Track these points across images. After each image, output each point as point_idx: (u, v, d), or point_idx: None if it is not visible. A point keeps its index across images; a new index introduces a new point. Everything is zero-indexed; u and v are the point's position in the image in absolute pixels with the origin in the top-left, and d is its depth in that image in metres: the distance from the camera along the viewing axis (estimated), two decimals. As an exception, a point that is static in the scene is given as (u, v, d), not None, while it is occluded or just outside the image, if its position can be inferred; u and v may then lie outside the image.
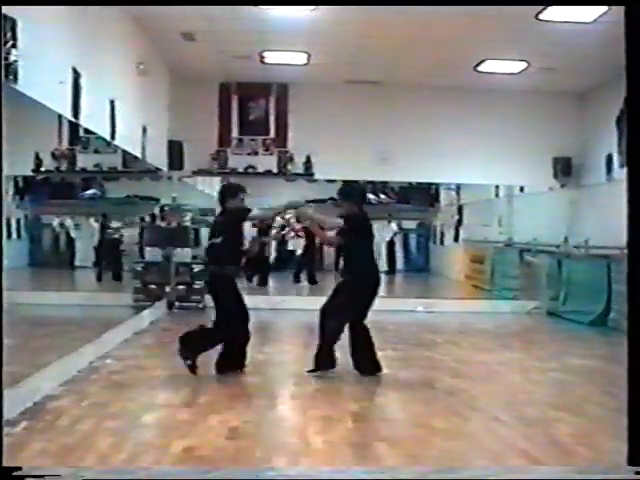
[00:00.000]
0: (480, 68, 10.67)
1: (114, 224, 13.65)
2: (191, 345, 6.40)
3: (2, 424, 3.75)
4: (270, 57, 10.49)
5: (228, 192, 6.58)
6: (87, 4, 6.81)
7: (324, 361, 6.51)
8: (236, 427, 4.80)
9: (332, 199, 18.54)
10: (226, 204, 6.51)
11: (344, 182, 8.71)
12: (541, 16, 8.14)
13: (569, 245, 11.82)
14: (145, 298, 10.89)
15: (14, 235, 12.22)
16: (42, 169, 11.11)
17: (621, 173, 10.43)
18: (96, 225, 13.93)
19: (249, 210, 6.51)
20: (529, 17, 8.20)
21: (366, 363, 6.57)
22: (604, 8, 7.73)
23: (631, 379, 3.57)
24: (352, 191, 6.87)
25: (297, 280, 15.37)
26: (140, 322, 9.48)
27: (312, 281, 15.09)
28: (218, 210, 6.80)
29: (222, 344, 6.50)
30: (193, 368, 6.30)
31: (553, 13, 8.04)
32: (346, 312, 6.48)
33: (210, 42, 9.78)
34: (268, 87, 12.14)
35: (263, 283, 14.66)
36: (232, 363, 6.49)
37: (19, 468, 3.61)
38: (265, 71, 11.25)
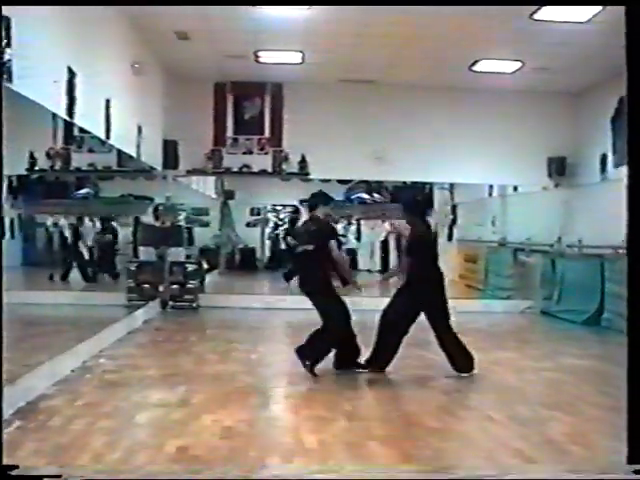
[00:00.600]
0: (475, 68, 10.68)
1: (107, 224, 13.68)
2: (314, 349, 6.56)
3: (2, 422, 3.75)
4: (265, 56, 10.48)
5: (322, 198, 6.84)
6: (85, 4, 6.79)
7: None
8: (230, 427, 4.80)
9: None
10: (316, 210, 6.75)
11: (403, 189, 8.90)
12: (535, 16, 8.17)
13: (563, 245, 11.85)
14: (139, 297, 10.88)
15: (7, 234, 12.18)
16: (36, 168, 11.09)
17: (615, 173, 10.45)
18: (91, 224, 13.89)
19: (334, 228, 7.09)
20: (523, 17, 8.23)
21: (383, 356, 6.66)
22: (598, 8, 7.75)
23: (630, 378, 3.58)
24: (417, 204, 7.21)
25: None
26: (134, 321, 9.48)
27: None
28: (304, 214, 6.97)
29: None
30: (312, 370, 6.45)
31: (547, 13, 8.06)
32: (403, 316, 6.67)
33: (205, 41, 9.77)
34: (263, 86, 12.13)
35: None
36: (347, 359, 6.65)
37: (16, 467, 3.60)
38: (260, 70, 11.24)
